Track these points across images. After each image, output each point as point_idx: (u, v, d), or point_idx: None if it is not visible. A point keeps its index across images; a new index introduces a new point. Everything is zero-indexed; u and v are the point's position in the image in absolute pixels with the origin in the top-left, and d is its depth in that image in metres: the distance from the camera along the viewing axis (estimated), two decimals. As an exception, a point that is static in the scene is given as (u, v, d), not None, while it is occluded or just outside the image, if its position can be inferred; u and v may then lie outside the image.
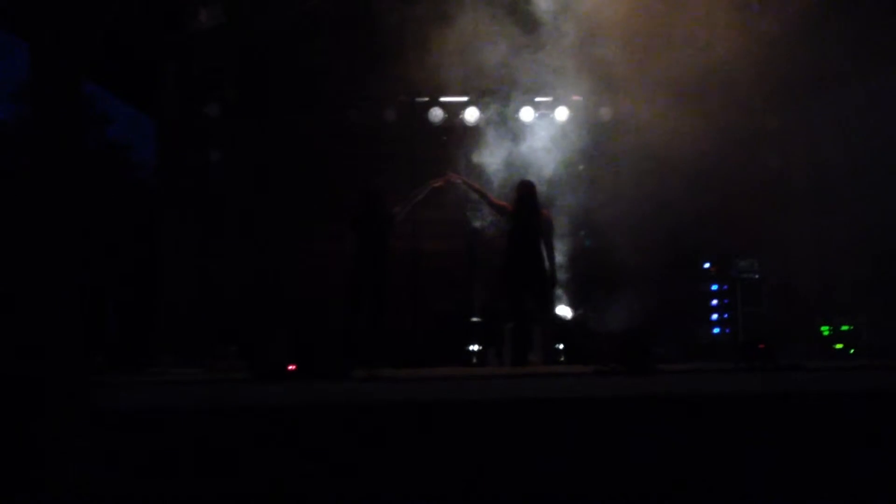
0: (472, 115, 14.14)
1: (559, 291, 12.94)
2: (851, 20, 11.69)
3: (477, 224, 13.30)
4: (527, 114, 14.27)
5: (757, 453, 4.64)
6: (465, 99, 14.10)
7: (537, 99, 14.23)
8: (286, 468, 4.53)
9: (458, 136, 14.24)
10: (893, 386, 5.67)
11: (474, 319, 13.27)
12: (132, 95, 14.45)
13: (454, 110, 14.33)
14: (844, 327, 12.92)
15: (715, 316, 14.00)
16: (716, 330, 13.92)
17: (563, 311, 13.09)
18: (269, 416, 4.88)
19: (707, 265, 14.04)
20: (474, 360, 12.83)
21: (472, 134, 13.97)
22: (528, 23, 12.71)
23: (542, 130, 14.34)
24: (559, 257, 11.79)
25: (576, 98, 14.27)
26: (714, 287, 14.03)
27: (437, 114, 14.32)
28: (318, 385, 7.02)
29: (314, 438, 4.74)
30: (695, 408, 5.00)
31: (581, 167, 13.79)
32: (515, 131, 14.07)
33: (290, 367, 7.68)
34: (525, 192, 11.26)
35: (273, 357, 7.86)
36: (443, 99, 14.33)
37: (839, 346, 12.83)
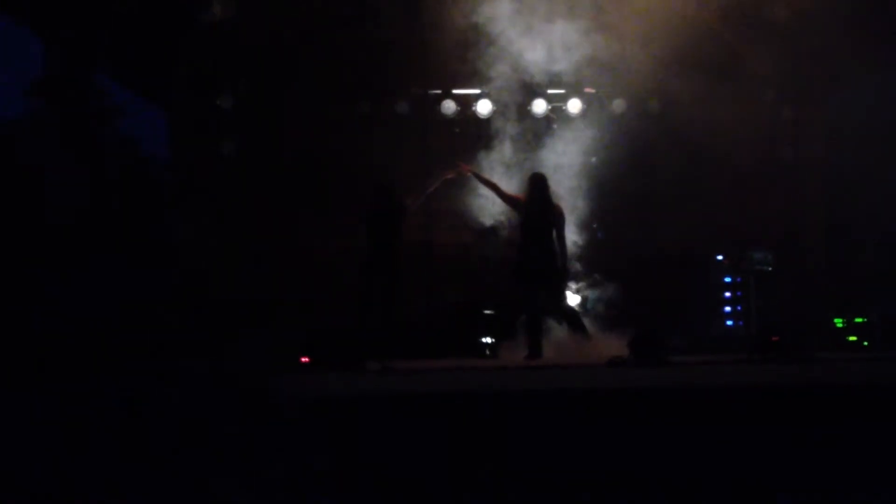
0: (484, 107, 14.08)
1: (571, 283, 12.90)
2: (866, 14, 11.68)
3: (489, 216, 13.27)
4: (539, 106, 14.23)
5: (770, 445, 4.63)
6: (477, 91, 14.05)
7: (550, 91, 14.18)
8: (303, 461, 4.54)
9: (470, 128, 14.23)
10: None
11: (487, 311, 13.26)
12: (144, 88, 14.49)
13: (467, 102, 14.30)
14: (858, 319, 12.88)
15: (728, 308, 13.98)
16: (729, 322, 13.90)
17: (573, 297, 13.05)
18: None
19: (720, 257, 14.01)
20: (487, 353, 12.82)
21: (484, 126, 13.94)
22: (540, 14, 12.69)
23: (555, 122, 14.33)
24: (571, 249, 11.78)
25: (588, 90, 14.25)
26: (727, 279, 14.00)
27: (449, 106, 14.29)
28: (332, 376, 7.04)
29: (325, 430, 4.75)
30: (709, 400, 5.00)
31: (593, 159, 13.75)
32: (528, 123, 14.03)
33: (303, 359, 7.71)
34: (537, 184, 11.28)
35: (286, 348, 7.89)
36: (455, 91, 14.30)
37: (853, 338, 12.79)
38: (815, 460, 4.58)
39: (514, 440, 4.74)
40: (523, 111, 14.13)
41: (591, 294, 13.25)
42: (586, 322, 11.83)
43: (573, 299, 13.01)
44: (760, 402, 4.95)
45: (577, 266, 13.01)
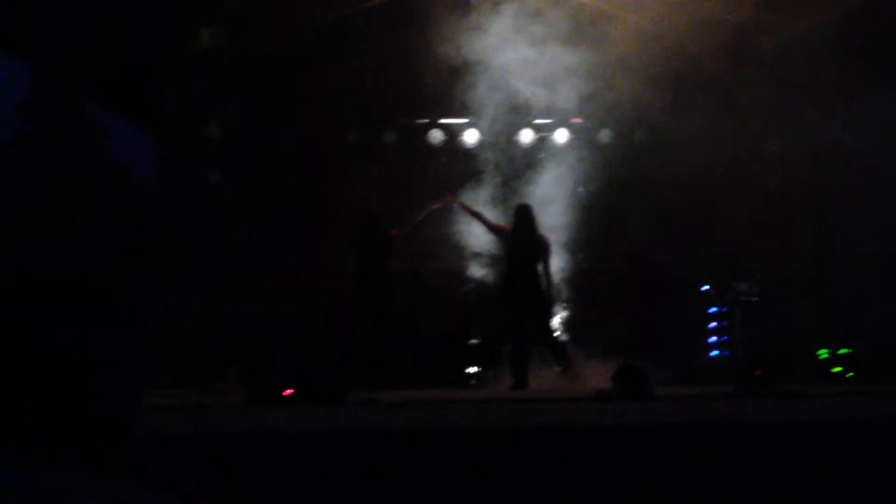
0: (471, 136, 14.12)
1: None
2: (851, 43, 11.75)
3: (475, 246, 13.29)
4: (526, 136, 14.27)
5: (746, 486, 4.63)
6: (465, 121, 14.08)
7: (537, 121, 14.23)
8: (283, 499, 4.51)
9: (457, 157, 14.26)
10: (886, 414, 5.67)
11: (473, 341, 13.26)
12: (133, 113, 14.46)
13: (454, 132, 14.32)
14: (842, 350, 12.89)
15: (713, 338, 13.98)
16: (714, 352, 13.89)
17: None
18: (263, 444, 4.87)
19: (706, 287, 14.02)
20: (472, 382, 12.81)
21: (471, 155, 13.99)
22: (527, 44, 12.76)
23: (542, 152, 14.38)
24: (557, 280, 11.81)
25: (575, 120, 14.30)
26: (713, 309, 14.01)
27: (436, 135, 14.32)
28: (315, 410, 7.01)
29: (309, 467, 4.73)
30: (690, 437, 5.00)
31: (580, 189, 13.81)
32: (515, 153, 14.09)
33: (286, 392, 7.67)
34: (523, 214, 11.30)
35: (270, 381, 7.86)
36: (442, 120, 14.33)
37: (837, 369, 12.80)
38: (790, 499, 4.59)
39: (498, 478, 4.73)
40: (510, 141, 14.19)
41: (572, 321, 13.33)
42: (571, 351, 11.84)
43: (558, 328, 13.03)
44: (738, 440, 4.96)
45: (563, 295, 13.07)
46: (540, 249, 11.17)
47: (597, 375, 10.15)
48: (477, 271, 13.75)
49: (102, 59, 12.03)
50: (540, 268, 11.12)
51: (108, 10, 11.69)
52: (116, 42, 11.99)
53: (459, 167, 13.92)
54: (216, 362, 11.61)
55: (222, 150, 14.01)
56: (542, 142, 14.44)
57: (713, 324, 13.99)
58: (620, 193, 13.87)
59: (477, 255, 13.46)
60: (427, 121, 14.41)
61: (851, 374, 12.69)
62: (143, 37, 12.16)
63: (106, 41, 11.84)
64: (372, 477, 4.66)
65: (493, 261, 13.08)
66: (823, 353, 12.97)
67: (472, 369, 12.95)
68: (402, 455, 4.84)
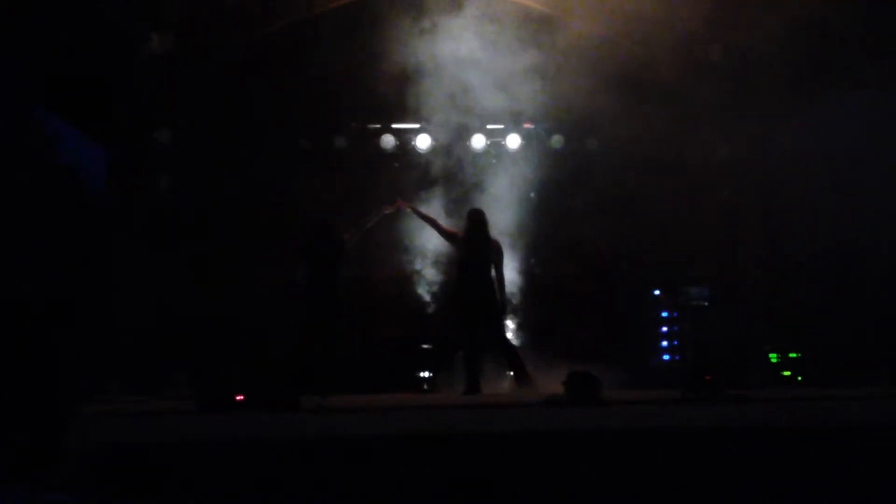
0: (423, 141, 14.10)
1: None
2: (804, 51, 11.86)
3: (428, 251, 13.29)
4: (478, 141, 14.25)
5: (691, 493, 4.65)
6: (416, 126, 14.06)
7: (489, 126, 14.23)
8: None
9: (410, 162, 14.24)
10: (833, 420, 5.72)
11: (425, 346, 13.24)
12: (82, 120, 14.32)
13: (406, 137, 14.30)
14: (792, 354, 12.99)
15: (665, 343, 14.02)
16: (666, 357, 13.94)
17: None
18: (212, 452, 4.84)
19: (657, 292, 14.07)
20: (425, 387, 12.81)
21: (423, 160, 13.98)
22: (479, 49, 12.78)
23: (494, 157, 14.38)
24: (509, 285, 11.83)
25: (527, 126, 14.32)
26: (664, 314, 14.04)
27: (388, 140, 14.29)
28: (265, 417, 6.98)
29: (259, 475, 4.71)
30: (636, 443, 5.03)
31: (532, 194, 13.83)
32: (467, 158, 14.09)
33: (237, 398, 7.63)
34: (475, 220, 11.29)
35: (220, 387, 7.81)
36: (395, 125, 14.30)
37: (787, 373, 12.90)
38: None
39: (449, 484, 4.73)
40: (462, 146, 14.18)
41: (525, 325, 13.37)
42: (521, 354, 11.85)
43: (511, 333, 13.05)
44: (684, 445, 4.99)
45: (516, 300, 13.10)
46: (493, 254, 11.17)
47: (549, 380, 10.16)
48: (430, 276, 13.74)
49: (52, 68, 11.91)
50: (493, 273, 11.13)
51: (58, 19, 11.60)
52: (66, 51, 11.89)
53: (412, 172, 13.91)
54: (167, 368, 11.54)
55: (173, 157, 13.88)
56: (494, 147, 14.44)
57: (665, 328, 14.02)
58: (572, 198, 13.90)
59: (430, 260, 13.45)
60: (379, 126, 14.37)
61: (801, 377, 12.80)
62: (92, 45, 12.05)
63: (56, 50, 11.73)
64: (326, 484, 4.65)
65: (445, 265, 13.07)
66: (774, 357, 13.07)
67: (425, 374, 12.94)
68: (354, 461, 4.83)
